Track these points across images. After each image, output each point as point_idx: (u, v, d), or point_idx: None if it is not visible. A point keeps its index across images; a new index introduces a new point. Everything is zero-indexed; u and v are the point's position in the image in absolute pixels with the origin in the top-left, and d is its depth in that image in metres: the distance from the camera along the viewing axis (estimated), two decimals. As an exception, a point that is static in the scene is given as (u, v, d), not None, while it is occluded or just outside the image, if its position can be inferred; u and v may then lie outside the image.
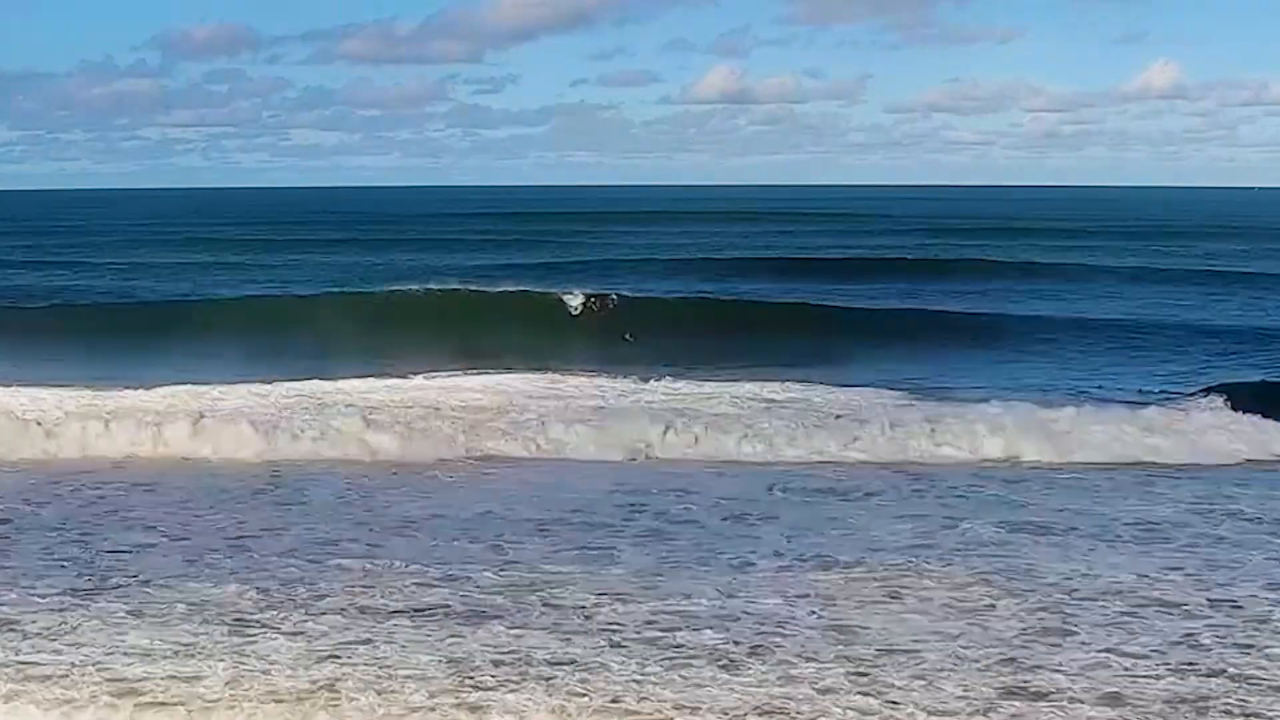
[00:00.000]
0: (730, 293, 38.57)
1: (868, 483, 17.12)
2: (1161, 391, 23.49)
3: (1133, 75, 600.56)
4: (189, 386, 22.17)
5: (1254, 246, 64.50)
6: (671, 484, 17.04)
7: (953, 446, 18.72)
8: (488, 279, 38.23)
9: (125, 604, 11.97)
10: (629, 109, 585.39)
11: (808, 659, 10.72)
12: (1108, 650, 10.91)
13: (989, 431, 18.93)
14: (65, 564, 13.28)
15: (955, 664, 10.62)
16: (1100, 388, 24.22)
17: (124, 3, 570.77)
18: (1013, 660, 10.71)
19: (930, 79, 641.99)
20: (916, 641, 11.12)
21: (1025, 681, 10.26)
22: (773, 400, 22.27)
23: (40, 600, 12.12)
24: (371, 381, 23.30)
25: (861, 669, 10.52)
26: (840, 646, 11.01)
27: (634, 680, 10.24)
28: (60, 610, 11.82)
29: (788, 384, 23.37)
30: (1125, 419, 19.71)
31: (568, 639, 11.17)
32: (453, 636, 11.22)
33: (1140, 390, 23.72)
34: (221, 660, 10.59)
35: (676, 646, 11.00)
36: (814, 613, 11.87)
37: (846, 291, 39.86)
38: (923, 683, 10.22)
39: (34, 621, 11.52)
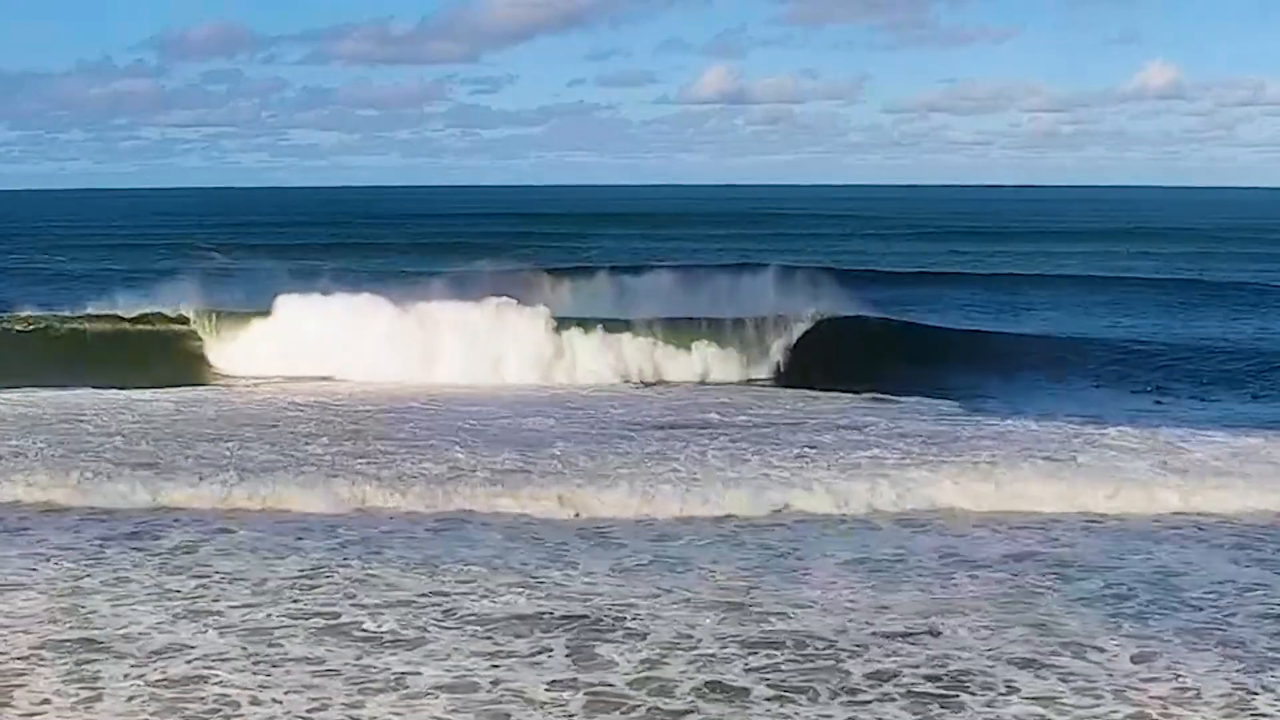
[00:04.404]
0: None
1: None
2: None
3: (1130, 75, 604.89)
4: None
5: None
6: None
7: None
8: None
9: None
10: (627, 109, 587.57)
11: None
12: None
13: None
14: None
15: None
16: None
17: (121, 2, 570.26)
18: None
19: (927, 79, 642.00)
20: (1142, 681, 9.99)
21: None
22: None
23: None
24: None
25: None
26: (1037, 681, 9.91)
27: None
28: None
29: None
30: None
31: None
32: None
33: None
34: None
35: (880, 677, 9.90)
36: (984, 644, 10.75)
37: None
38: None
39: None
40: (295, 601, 11.74)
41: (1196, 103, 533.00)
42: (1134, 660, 10.34)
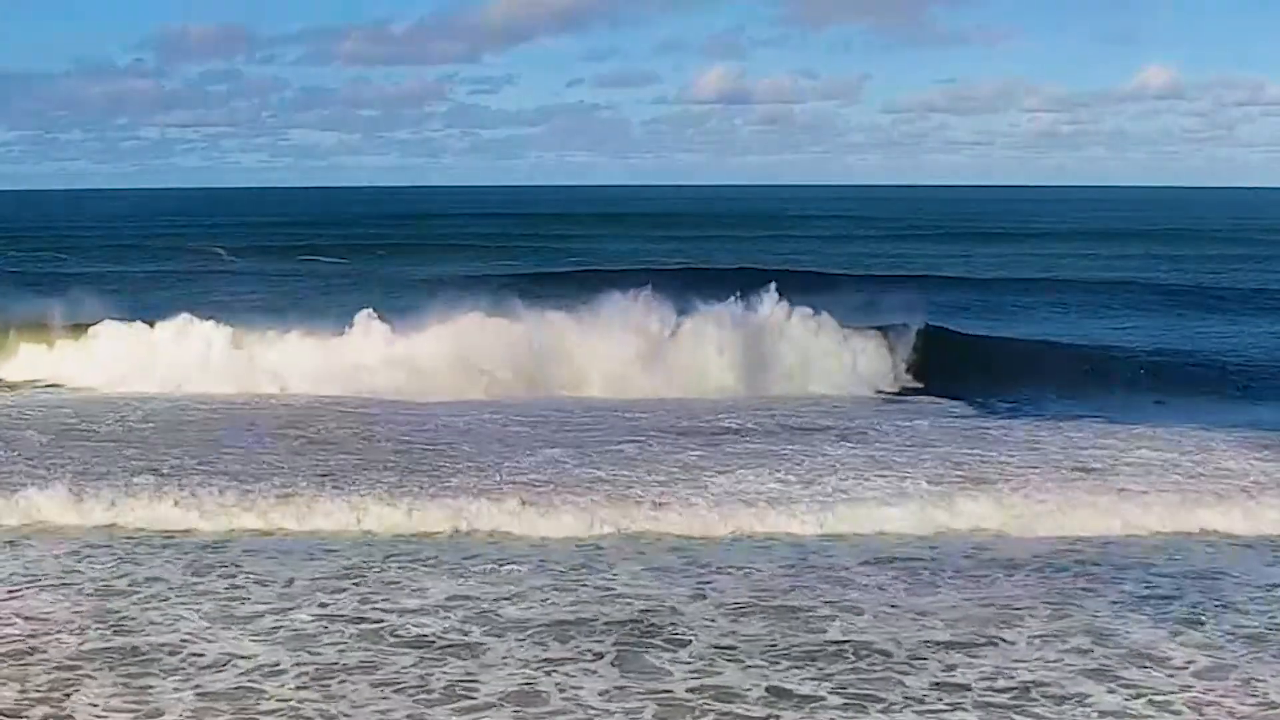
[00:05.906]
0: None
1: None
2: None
3: (1129, 75, 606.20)
4: None
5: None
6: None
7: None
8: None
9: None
10: (626, 109, 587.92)
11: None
12: None
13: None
14: None
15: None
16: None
17: (121, 2, 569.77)
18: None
19: (926, 79, 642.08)
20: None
21: None
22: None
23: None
24: None
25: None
26: (1110, 695, 9.71)
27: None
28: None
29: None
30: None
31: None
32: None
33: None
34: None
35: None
36: (1041, 654, 10.58)
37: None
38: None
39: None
40: (324, 605, 11.60)
41: (1196, 103, 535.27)
42: (1199, 675, 10.11)
